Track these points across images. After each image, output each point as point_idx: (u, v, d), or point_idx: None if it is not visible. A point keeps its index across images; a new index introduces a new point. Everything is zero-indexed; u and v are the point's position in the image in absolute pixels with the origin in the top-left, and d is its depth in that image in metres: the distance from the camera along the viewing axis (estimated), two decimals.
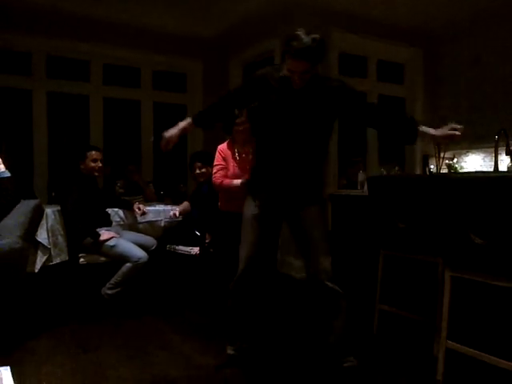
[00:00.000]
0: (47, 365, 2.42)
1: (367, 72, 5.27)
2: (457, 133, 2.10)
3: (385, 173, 4.36)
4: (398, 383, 2.23)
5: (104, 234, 3.31)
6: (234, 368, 2.30)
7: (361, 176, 4.20)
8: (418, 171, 5.26)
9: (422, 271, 2.85)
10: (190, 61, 5.61)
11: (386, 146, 5.35)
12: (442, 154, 4.86)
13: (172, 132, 2.37)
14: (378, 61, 5.30)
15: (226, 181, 3.04)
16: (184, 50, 5.48)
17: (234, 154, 3.10)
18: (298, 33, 1.99)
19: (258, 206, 2.25)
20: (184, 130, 2.39)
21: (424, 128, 2.19)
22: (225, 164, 3.09)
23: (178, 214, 3.76)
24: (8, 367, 1.36)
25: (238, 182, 2.97)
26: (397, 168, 4.44)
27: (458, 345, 2.17)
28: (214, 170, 3.11)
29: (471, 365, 2.22)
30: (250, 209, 2.28)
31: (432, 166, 5.06)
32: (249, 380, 2.24)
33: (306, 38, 1.98)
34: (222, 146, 3.17)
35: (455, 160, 4.94)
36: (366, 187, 3.60)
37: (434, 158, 5.02)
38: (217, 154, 3.15)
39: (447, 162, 4.92)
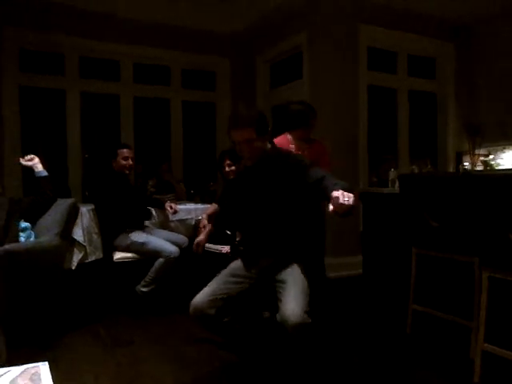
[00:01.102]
0: (83, 360, 2.49)
1: (397, 67, 5.17)
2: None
3: (416, 170, 4.29)
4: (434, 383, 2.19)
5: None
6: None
7: (392, 174, 4.14)
8: (451, 168, 5.14)
9: (457, 270, 2.79)
10: (218, 59, 5.64)
11: (418, 142, 5.25)
12: (476, 151, 4.73)
13: (201, 237, 2.64)
14: (409, 55, 5.20)
15: None
16: (211, 48, 5.52)
17: (290, 148, 3.09)
18: (237, 106, 2.21)
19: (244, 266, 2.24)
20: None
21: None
22: None
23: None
24: (46, 362, 1.39)
25: None
26: (429, 165, 4.35)
27: (496, 347, 2.11)
28: None
29: (509, 368, 2.17)
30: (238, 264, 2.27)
31: (466, 163, 4.94)
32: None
33: (243, 109, 2.16)
34: (278, 139, 3.16)
35: (491, 157, 4.80)
36: (397, 185, 3.54)
37: (469, 155, 4.90)
38: (282, 140, 3.15)
39: (482, 158, 4.79)
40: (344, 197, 1.62)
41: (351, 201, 1.62)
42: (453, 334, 2.71)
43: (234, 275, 2.19)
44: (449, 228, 2.51)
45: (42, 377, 1.31)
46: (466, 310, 2.54)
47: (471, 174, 3.52)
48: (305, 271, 2.10)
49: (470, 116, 5.16)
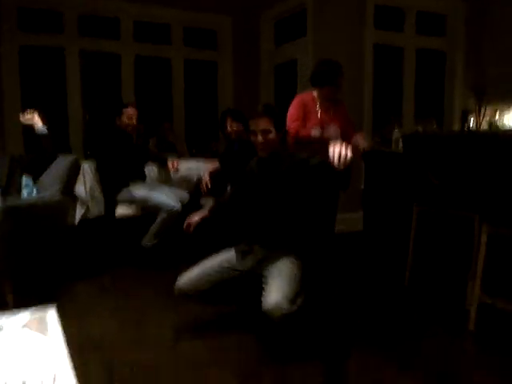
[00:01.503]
0: (89, 307, 2.57)
1: (405, 25, 5.02)
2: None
3: (421, 130, 4.24)
4: (431, 332, 2.26)
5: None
6: None
7: (395, 134, 4.09)
8: (457, 128, 5.08)
9: (456, 226, 2.82)
10: (220, 17, 5.48)
11: (423, 101, 5.17)
12: (482, 110, 4.66)
13: (195, 218, 2.49)
14: (417, 12, 5.04)
15: (304, 131, 2.92)
16: (213, 6, 5.36)
17: (315, 106, 3.01)
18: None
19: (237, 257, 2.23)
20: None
21: None
22: (303, 115, 2.95)
23: None
24: (53, 308, 1.43)
25: (316, 132, 2.90)
26: (434, 125, 4.30)
27: (491, 297, 2.17)
28: (292, 119, 2.93)
29: (502, 318, 2.24)
30: (230, 254, 2.26)
31: (471, 123, 4.87)
32: None
33: (265, 103, 2.29)
34: (303, 95, 3.05)
35: (497, 116, 4.73)
36: (400, 145, 3.51)
37: (474, 115, 4.83)
38: (296, 101, 3.02)
39: (488, 118, 4.72)
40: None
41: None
42: (449, 287, 2.77)
43: (223, 265, 2.18)
44: (451, 186, 2.51)
45: (49, 321, 1.35)
46: (463, 264, 2.59)
47: (476, 133, 3.48)
48: (295, 259, 2.09)
49: (477, 75, 5.06)
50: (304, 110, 2.97)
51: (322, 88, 3.01)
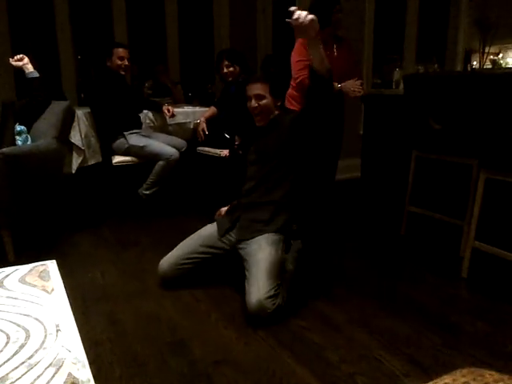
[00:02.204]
0: (90, 258, 2.61)
1: None
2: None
3: (422, 71, 4.12)
4: (424, 279, 2.31)
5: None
6: None
7: (396, 74, 4.00)
8: (459, 68, 4.93)
9: (454, 173, 2.81)
10: None
11: (426, 40, 4.98)
12: (486, 49, 4.51)
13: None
14: None
15: None
16: None
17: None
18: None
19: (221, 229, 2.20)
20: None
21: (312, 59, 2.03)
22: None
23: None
24: (54, 260, 1.45)
25: (335, 84, 2.68)
26: (436, 65, 4.18)
27: (485, 244, 2.20)
28: (301, 66, 2.74)
29: (495, 264, 2.28)
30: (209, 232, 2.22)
31: (475, 63, 4.73)
32: None
33: (268, 66, 2.25)
34: (294, 51, 2.88)
35: (501, 55, 4.58)
36: (401, 86, 3.43)
37: (478, 54, 4.67)
38: (300, 46, 2.83)
39: (491, 57, 4.58)
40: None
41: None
42: (445, 235, 2.81)
43: (204, 244, 2.17)
44: (451, 130, 2.48)
45: (50, 274, 1.38)
46: (460, 212, 2.60)
47: (479, 72, 3.38)
48: (275, 236, 2.06)
49: (482, 12, 4.84)
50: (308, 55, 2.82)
51: (321, 31, 2.86)
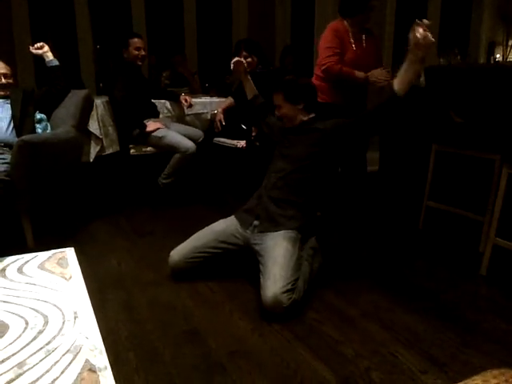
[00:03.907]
0: (106, 247, 2.63)
1: None
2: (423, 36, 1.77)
3: (443, 63, 4.04)
4: (441, 275, 2.28)
5: (150, 124, 3.34)
6: None
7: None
8: (482, 60, 4.83)
9: (475, 168, 2.75)
10: None
11: (448, 32, 4.88)
12: (510, 42, 4.40)
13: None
14: None
15: (347, 69, 2.69)
16: None
17: (349, 37, 2.78)
18: None
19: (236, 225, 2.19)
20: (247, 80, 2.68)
21: (398, 79, 1.95)
22: (339, 47, 2.72)
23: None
24: (72, 248, 1.46)
25: (361, 74, 2.69)
26: (458, 57, 4.09)
27: (506, 241, 2.15)
28: (330, 53, 2.69)
29: None
30: (232, 222, 2.21)
31: (498, 55, 4.63)
32: None
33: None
34: (336, 25, 2.78)
35: None
36: (422, 78, 3.37)
37: (502, 47, 4.57)
38: (330, 33, 2.76)
39: None
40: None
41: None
42: (464, 230, 2.76)
43: (217, 239, 2.15)
44: (473, 124, 2.42)
45: (68, 261, 1.39)
46: (479, 207, 2.55)
47: (503, 65, 3.30)
48: (293, 234, 2.05)
49: (506, 4, 4.72)
50: (338, 41, 2.72)
51: (353, 18, 2.77)
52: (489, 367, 0.60)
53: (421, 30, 1.77)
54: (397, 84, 1.93)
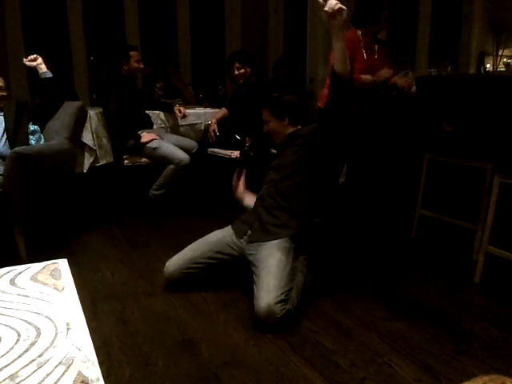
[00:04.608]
0: (100, 258, 2.62)
1: None
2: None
3: (434, 73, 4.09)
4: (435, 283, 2.28)
5: (145, 136, 3.35)
6: None
7: (409, 76, 3.95)
8: (472, 71, 4.88)
9: (467, 176, 2.78)
10: None
11: (438, 43, 4.94)
12: (500, 52, 4.46)
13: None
14: None
15: (355, 76, 2.78)
16: None
17: (361, 47, 2.83)
18: None
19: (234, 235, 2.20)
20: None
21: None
22: (350, 55, 2.81)
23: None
24: (65, 259, 1.45)
25: (368, 77, 2.74)
26: (449, 67, 4.14)
27: (499, 249, 2.16)
28: None
29: (509, 269, 2.24)
30: (228, 232, 2.22)
31: (488, 65, 4.68)
32: None
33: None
34: (350, 35, 2.81)
35: None
36: (413, 88, 3.40)
37: (492, 57, 4.63)
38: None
39: (505, 60, 4.53)
40: None
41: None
42: (457, 239, 2.77)
43: (212, 250, 2.15)
44: (465, 133, 2.45)
45: (61, 272, 1.38)
46: (472, 215, 2.57)
47: (493, 75, 3.35)
48: (287, 243, 2.05)
49: (496, 13, 4.79)
50: (350, 50, 2.80)
51: (366, 28, 2.81)
52: None
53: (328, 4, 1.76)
54: (334, 61, 1.95)
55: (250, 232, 2.14)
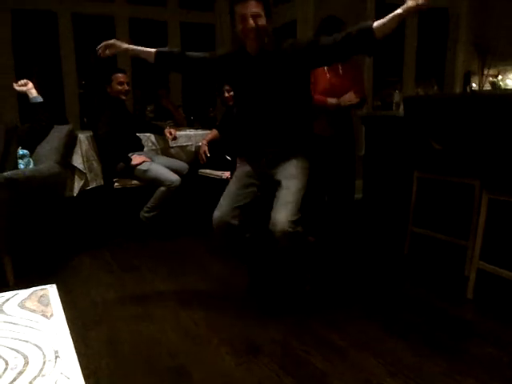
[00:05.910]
0: (90, 282, 2.58)
1: None
2: None
3: (421, 93, 4.16)
4: (428, 300, 2.28)
5: (135, 158, 3.35)
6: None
7: (396, 96, 4.02)
8: (458, 90, 4.98)
9: (456, 193, 2.81)
10: None
11: (425, 62, 5.04)
12: (485, 71, 4.56)
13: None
14: None
15: (319, 97, 2.81)
16: None
17: (324, 68, 2.88)
18: None
19: (249, 165, 2.24)
20: (132, 52, 2.55)
21: (383, 21, 1.88)
22: (312, 78, 2.77)
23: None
24: (54, 285, 1.43)
25: (332, 100, 2.81)
26: (435, 87, 4.22)
27: (490, 265, 2.17)
28: None
29: (501, 285, 2.25)
30: (242, 168, 2.26)
31: (474, 85, 4.78)
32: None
33: None
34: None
35: (500, 77, 4.63)
36: (401, 108, 3.46)
37: (477, 76, 4.73)
38: None
39: (491, 79, 4.62)
40: None
41: None
42: (448, 255, 2.78)
43: (240, 184, 2.20)
44: (452, 151, 2.48)
45: (50, 298, 1.36)
46: (463, 232, 2.59)
47: (479, 94, 3.41)
48: (304, 161, 2.12)
49: (481, 34, 4.91)
50: (313, 72, 2.78)
51: None
52: None
53: None
54: (378, 23, 1.87)
55: (264, 160, 2.17)
